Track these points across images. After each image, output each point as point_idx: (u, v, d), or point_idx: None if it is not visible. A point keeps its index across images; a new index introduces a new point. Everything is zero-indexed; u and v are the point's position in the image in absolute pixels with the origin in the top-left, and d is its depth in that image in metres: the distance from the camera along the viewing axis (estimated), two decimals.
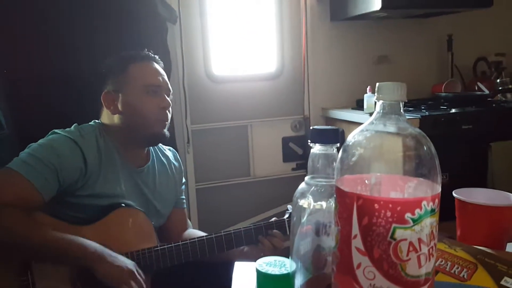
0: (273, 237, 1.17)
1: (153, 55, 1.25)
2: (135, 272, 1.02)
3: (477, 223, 0.77)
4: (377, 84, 0.48)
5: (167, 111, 1.20)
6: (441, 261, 0.62)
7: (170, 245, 1.13)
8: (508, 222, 0.76)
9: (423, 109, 2.11)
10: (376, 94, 0.49)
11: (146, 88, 1.17)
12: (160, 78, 1.20)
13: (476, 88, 2.51)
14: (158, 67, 1.23)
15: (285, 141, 2.55)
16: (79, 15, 1.66)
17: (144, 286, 1.03)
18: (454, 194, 0.79)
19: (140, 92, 1.17)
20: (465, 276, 0.59)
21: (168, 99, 1.20)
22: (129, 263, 1.03)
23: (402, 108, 0.48)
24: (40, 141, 1.10)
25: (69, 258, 1.01)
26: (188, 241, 1.14)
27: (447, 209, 0.62)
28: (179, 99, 2.25)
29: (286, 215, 1.23)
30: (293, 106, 2.53)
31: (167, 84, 1.23)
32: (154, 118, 1.18)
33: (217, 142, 2.43)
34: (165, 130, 1.20)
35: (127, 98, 1.18)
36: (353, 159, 0.48)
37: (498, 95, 2.41)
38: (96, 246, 1.02)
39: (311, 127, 0.56)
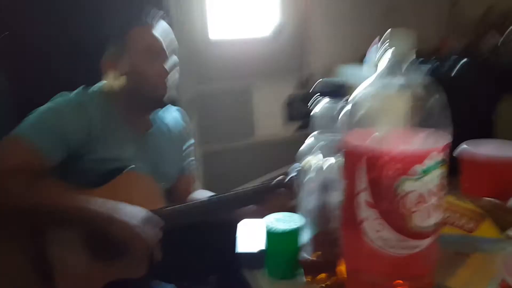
0: (280, 195, 1.17)
1: (155, 15, 1.21)
2: (144, 230, 1.03)
3: (483, 175, 0.77)
4: (387, 31, 0.46)
5: (171, 73, 1.18)
6: (449, 214, 0.62)
7: (180, 205, 1.14)
8: None
9: (431, 62, 2.06)
10: (387, 41, 0.47)
11: (148, 50, 1.15)
12: (162, 40, 1.18)
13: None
14: (161, 28, 1.20)
15: (289, 100, 2.52)
16: None
17: (156, 238, 1.04)
18: (460, 148, 0.78)
19: (141, 56, 1.15)
20: (471, 227, 0.60)
21: (172, 60, 1.18)
22: (142, 216, 1.03)
23: (414, 56, 0.46)
24: (47, 104, 1.09)
25: (80, 220, 1.03)
26: (198, 200, 1.15)
27: (451, 163, 0.62)
28: (179, 63, 2.21)
29: (295, 173, 1.23)
30: (297, 64, 2.48)
31: (171, 45, 1.19)
32: (157, 80, 1.16)
33: (220, 105, 2.41)
34: (170, 92, 1.19)
35: (129, 61, 1.15)
36: (362, 112, 0.47)
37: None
38: (107, 204, 1.03)
39: (319, 80, 0.55)
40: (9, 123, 1.14)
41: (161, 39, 1.17)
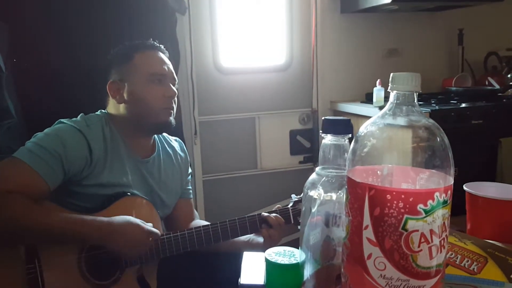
0: (276, 225, 1.17)
1: (158, 45, 1.25)
2: (143, 229, 1.07)
3: (487, 216, 0.77)
4: (392, 74, 0.48)
5: (172, 100, 1.20)
6: (451, 254, 0.62)
7: (175, 234, 1.14)
8: None
9: (433, 103, 2.09)
10: (390, 84, 0.48)
11: (150, 77, 1.18)
12: (165, 67, 1.20)
13: (487, 83, 2.48)
14: (163, 56, 1.23)
15: (293, 134, 2.55)
16: (89, 5, 1.67)
17: (158, 231, 1.09)
18: (464, 188, 0.79)
19: (145, 81, 1.17)
20: (475, 269, 0.59)
21: (173, 88, 1.20)
22: (134, 222, 1.07)
23: (416, 99, 0.48)
24: (46, 130, 1.11)
25: (73, 237, 1.03)
26: (193, 229, 1.15)
27: (457, 203, 0.62)
28: (187, 91, 2.25)
29: (290, 204, 1.23)
30: (301, 98, 2.52)
31: (172, 73, 1.22)
32: (159, 106, 1.18)
33: (225, 134, 2.43)
34: (171, 118, 1.20)
35: (132, 87, 1.18)
36: (365, 150, 0.48)
37: (509, 90, 2.38)
38: (99, 220, 1.05)
39: (322, 118, 0.56)
40: (9, 147, 1.15)
41: (164, 66, 1.20)
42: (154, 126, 1.21)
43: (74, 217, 1.03)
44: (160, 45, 1.25)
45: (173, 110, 1.21)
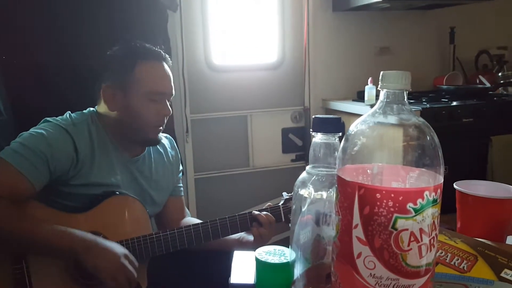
0: (266, 223, 1.16)
1: (164, 54, 1.18)
2: (125, 264, 1.01)
3: (477, 215, 0.77)
4: (381, 72, 0.47)
5: (165, 118, 1.18)
6: (441, 253, 0.62)
7: (165, 233, 1.13)
8: (508, 214, 0.76)
9: (424, 102, 2.10)
10: (380, 82, 0.48)
11: (150, 94, 1.13)
12: (167, 85, 1.16)
13: (478, 81, 2.50)
14: (167, 68, 1.17)
15: (285, 132, 2.54)
16: (79, 1, 1.65)
17: (135, 275, 1.02)
18: (455, 186, 0.79)
19: (144, 97, 1.13)
20: (465, 268, 0.59)
21: (169, 106, 1.17)
22: (120, 253, 1.01)
23: (406, 97, 0.47)
24: (31, 129, 1.08)
25: (58, 251, 1.01)
26: (183, 228, 1.14)
27: (447, 201, 0.62)
28: (178, 88, 2.24)
29: (281, 202, 1.23)
30: (293, 97, 2.52)
31: (172, 88, 1.18)
32: (151, 124, 1.15)
33: (217, 132, 2.42)
34: (159, 135, 1.19)
35: (128, 99, 1.14)
36: (355, 148, 0.48)
37: (500, 88, 2.40)
38: (86, 236, 1.01)
39: (313, 116, 0.56)
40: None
41: (166, 84, 1.16)
42: (140, 140, 1.19)
43: (61, 231, 1.00)
44: (166, 55, 1.18)
45: (162, 127, 1.19)
